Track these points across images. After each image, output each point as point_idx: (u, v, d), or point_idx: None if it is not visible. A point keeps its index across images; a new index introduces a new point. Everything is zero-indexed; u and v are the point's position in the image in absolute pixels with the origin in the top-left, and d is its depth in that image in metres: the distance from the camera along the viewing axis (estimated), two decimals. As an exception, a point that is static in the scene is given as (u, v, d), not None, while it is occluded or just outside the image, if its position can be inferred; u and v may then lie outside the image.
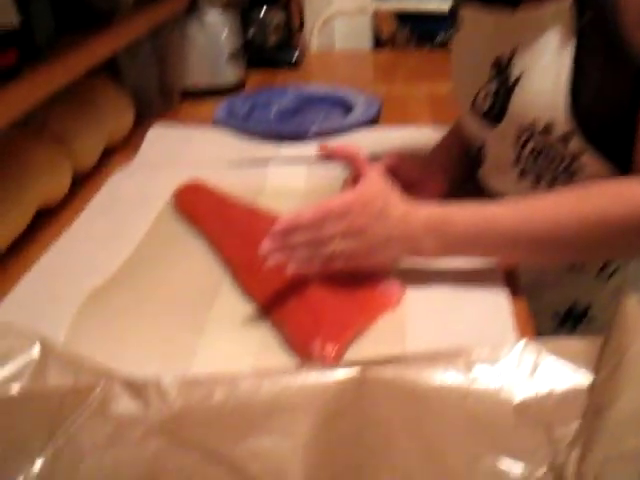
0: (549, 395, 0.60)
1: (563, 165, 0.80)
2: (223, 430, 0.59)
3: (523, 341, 0.64)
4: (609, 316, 0.77)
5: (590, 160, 0.77)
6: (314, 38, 2.23)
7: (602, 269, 0.89)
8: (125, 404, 0.61)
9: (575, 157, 0.78)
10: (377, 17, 2.54)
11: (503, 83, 0.82)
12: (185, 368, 0.70)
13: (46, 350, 0.68)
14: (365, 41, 2.51)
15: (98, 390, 0.62)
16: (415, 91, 1.63)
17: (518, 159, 0.85)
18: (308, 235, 0.76)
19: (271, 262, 0.76)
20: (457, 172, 1.00)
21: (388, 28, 2.56)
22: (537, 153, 0.81)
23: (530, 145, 0.81)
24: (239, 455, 0.57)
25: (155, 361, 0.72)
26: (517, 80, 0.79)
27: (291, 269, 0.76)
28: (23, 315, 0.80)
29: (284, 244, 0.76)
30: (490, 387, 0.61)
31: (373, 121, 1.38)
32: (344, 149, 0.87)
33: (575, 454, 0.54)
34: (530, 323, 0.76)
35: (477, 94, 0.87)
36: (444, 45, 2.11)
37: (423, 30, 2.49)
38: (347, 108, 1.46)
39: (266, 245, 0.76)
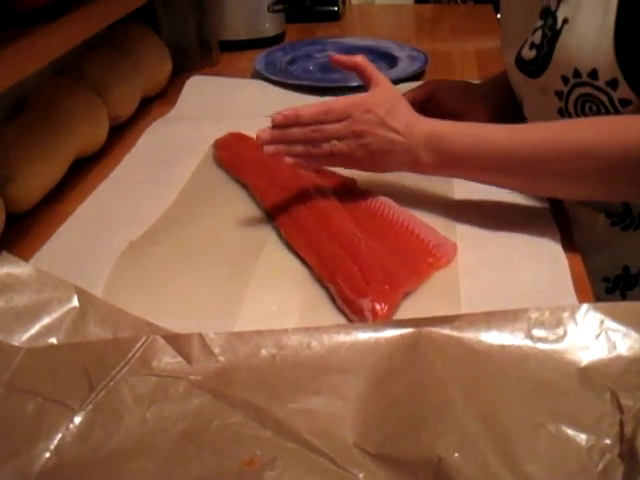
0: (615, 361, 0.57)
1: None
2: (270, 389, 0.57)
3: (586, 304, 0.61)
4: None
5: (638, 110, 0.74)
6: (355, -9, 2.17)
7: None
8: (167, 359, 0.59)
9: (622, 106, 0.75)
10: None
11: (549, 30, 0.79)
12: (228, 323, 0.68)
13: (85, 302, 0.67)
14: (407, -5, 2.44)
15: (139, 344, 0.60)
16: (461, 46, 1.58)
17: (562, 111, 0.82)
18: (307, 130, 0.79)
19: (268, 150, 0.79)
20: (500, 102, 0.99)
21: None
22: (583, 102, 0.79)
23: (575, 93, 0.79)
24: (286, 415, 0.55)
25: (196, 315, 0.69)
26: (562, 26, 0.77)
27: (288, 161, 0.80)
28: (60, 265, 0.78)
29: (283, 136, 0.79)
30: (552, 350, 0.58)
31: (417, 75, 1.33)
32: (353, 59, 0.86)
33: (645, 425, 0.51)
34: (587, 283, 0.72)
35: (523, 45, 0.85)
36: (488, 0, 2.04)
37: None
38: (390, 61, 1.42)
39: (265, 134, 0.79)
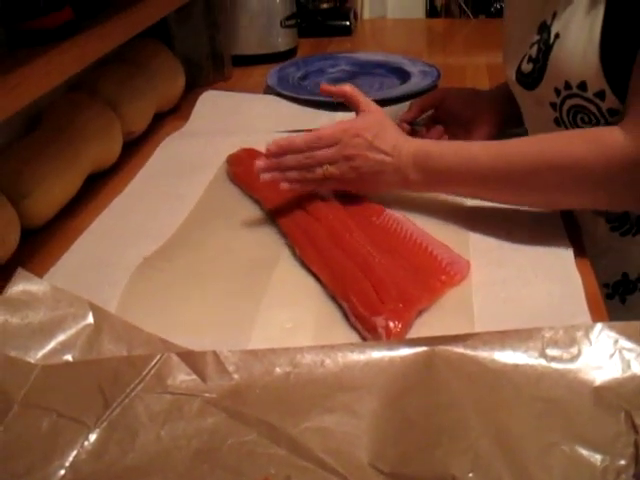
0: (629, 380, 0.57)
1: (601, 126, 0.80)
2: (284, 407, 0.57)
3: (600, 324, 0.61)
4: None
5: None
6: (366, 6, 2.18)
7: None
8: (182, 377, 0.59)
9: (610, 116, 0.78)
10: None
11: (544, 45, 0.82)
12: (242, 339, 0.68)
13: (100, 318, 0.67)
14: (418, 10, 2.45)
15: (154, 362, 0.60)
16: (473, 60, 1.58)
17: (558, 120, 0.84)
18: (300, 157, 0.85)
19: (264, 178, 0.85)
20: (508, 108, 1.00)
21: (442, -3, 2.50)
22: (575, 113, 0.81)
23: (567, 104, 0.81)
24: (300, 433, 0.55)
25: (211, 332, 0.70)
26: (555, 40, 0.80)
27: (284, 187, 0.85)
28: (75, 281, 0.78)
29: (278, 164, 0.85)
30: (566, 370, 0.58)
31: (430, 90, 1.33)
32: (342, 89, 0.92)
33: (661, 445, 0.51)
34: (601, 302, 0.72)
35: (522, 58, 0.88)
36: (500, 15, 2.05)
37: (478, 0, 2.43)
38: (403, 76, 1.42)
39: (260, 163, 0.85)
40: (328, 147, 0.84)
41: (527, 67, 0.86)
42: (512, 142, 0.80)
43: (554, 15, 0.81)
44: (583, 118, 0.80)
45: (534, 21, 0.86)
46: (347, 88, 0.91)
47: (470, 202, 0.89)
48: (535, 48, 0.84)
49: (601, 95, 0.76)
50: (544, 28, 0.83)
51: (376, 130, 0.85)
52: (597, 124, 0.79)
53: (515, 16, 0.93)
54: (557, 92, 0.81)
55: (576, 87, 0.78)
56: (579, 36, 0.77)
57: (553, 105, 0.83)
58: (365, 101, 0.90)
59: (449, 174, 0.82)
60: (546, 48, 0.82)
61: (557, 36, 0.80)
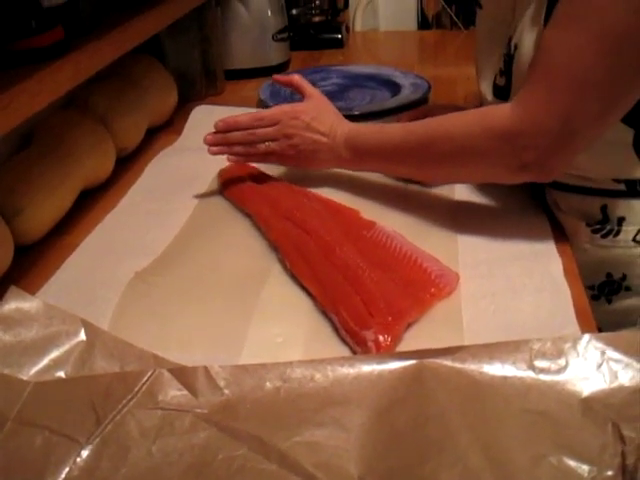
0: (617, 391, 0.57)
1: None
2: (274, 421, 0.57)
3: (587, 335, 0.61)
4: None
5: None
6: (358, 18, 2.19)
7: (635, 238, 0.86)
8: (173, 392, 0.59)
9: None
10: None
11: (508, 57, 0.87)
12: (234, 355, 0.68)
13: (92, 335, 0.67)
14: (410, 22, 2.46)
15: (145, 378, 0.60)
16: (463, 71, 1.58)
17: None
18: (244, 134, 0.98)
19: (212, 151, 0.98)
20: None
21: (433, 9, 2.51)
22: None
23: None
24: (291, 447, 0.55)
25: (202, 347, 0.70)
26: (515, 51, 0.84)
27: (231, 159, 0.99)
28: (67, 297, 0.79)
29: (225, 139, 0.98)
30: (554, 381, 0.58)
31: (421, 102, 1.34)
32: (289, 77, 1.05)
33: (647, 456, 0.51)
34: (589, 312, 0.73)
35: (496, 74, 0.92)
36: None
37: (469, 11, 2.43)
38: (394, 88, 1.43)
39: (209, 137, 0.98)
40: (269, 126, 0.97)
41: (501, 80, 0.90)
42: (424, 121, 0.88)
43: (515, 29, 0.85)
44: None
45: (503, 37, 0.89)
46: (294, 77, 1.04)
47: (459, 214, 0.89)
48: (502, 61, 0.89)
49: None
50: (509, 41, 0.87)
51: (314, 113, 0.97)
52: None
53: (486, 34, 0.96)
54: None
55: None
56: (530, 43, 0.81)
57: None
58: (310, 89, 1.02)
59: (372, 152, 0.93)
60: (509, 59, 0.86)
61: (516, 47, 0.84)
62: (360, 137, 0.94)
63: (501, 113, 0.77)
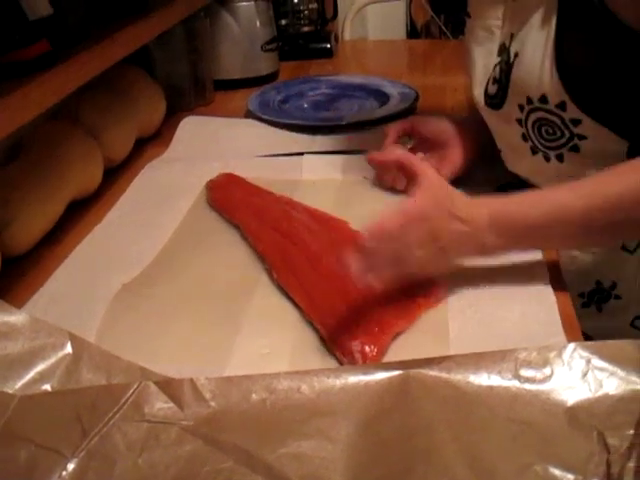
0: (602, 400, 0.58)
1: (565, 137, 0.81)
2: (261, 433, 0.57)
3: (573, 344, 0.62)
4: (636, 293, 0.82)
5: (590, 131, 0.79)
6: (347, 28, 2.20)
7: (623, 245, 0.87)
8: (159, 405, 0.59)
9: (573, 125, 0.80)
10: (411, 6, 2.50)
11: (505, 65, 0.85)
12: (221, 366, 0.68)
13: (78, 348, 0.67)
14: (399, 31, 2.48)
15: (131, 390, 0.60)
16: (452, 81, 1.59)
17: (525, 136, 0.87)
18: (395, 244, 0.70)
19: (363, 282, 0.69)
20: (481, 133, 1.00)
21: (422, 18, 2.52)
22: (539, 126, 0.83)
23: (532, 118, 0.84)
24: (277, 459, 0.55)
25: (190, 359, 0.70)
26: (514, 59, 0.83)
27: (376, 284, 0.70)
28: (57, 308, 0.79)
29: (370, 257, 0.69)
30: (539, 391, 0.59)
31: (409, 111, 1.35)
32: (393, 157, 0.84)
33: (631, 464, 0.51)
34: (575, 321, 0.73)
35: (487, 82, 0.91)
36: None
37: (458, 20, 2.45)
38: (382, 98, 1.43)
39: (353, 261, 0.68)
40: (419, 224, 0.70)
41: (493, 88, 0.89)
42: (580, 185, 0.71)
43: (511, 37, 0.85)
44: (547, 130, 0.82)
45: (493, 45, 0.89)
46: (399, 155, 0.82)
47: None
48: (498, 69, 0.88)
49: (562, 106, 0.78)
50: (503, 50, 0.86)
51: (450, 194, 0.74)
52: (562, 135, 0.81)
53: (477, 43, 0.96)
54: (521, 108, 0.84)
55: (537, 101, 0.81)
56: (535, 52, 0.80)
57: (519, 121, 0.86)
58: (420, 163, 0.79)
59: (534, 230, 0.73)
60: (507, 68, 0.85)
61: (516, 55, 0.83)
62: (512, 215, 0.73)
63: None
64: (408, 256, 0.70)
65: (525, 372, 0.60)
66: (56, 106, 1.02)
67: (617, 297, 0.89)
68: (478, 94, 0.95)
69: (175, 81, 1.45)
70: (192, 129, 1.30)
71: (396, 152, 0.84)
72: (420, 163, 0.78)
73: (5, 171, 0.93)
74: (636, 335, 0.89)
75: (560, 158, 0.83)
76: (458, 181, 0.93)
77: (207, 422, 0.58)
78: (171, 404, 0.59)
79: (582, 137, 0.80)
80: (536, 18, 0.81)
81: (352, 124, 1.27)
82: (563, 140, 0.82)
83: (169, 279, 0.84)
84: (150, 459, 0.56)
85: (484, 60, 0.92)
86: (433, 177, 0.75)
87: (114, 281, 0.83)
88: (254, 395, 0.60)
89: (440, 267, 0.75)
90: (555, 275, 0.80)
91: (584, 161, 0.81)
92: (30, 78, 0.79)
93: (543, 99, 0.80)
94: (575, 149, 0.81)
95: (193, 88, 1.48)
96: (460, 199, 0.74)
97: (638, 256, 0.86)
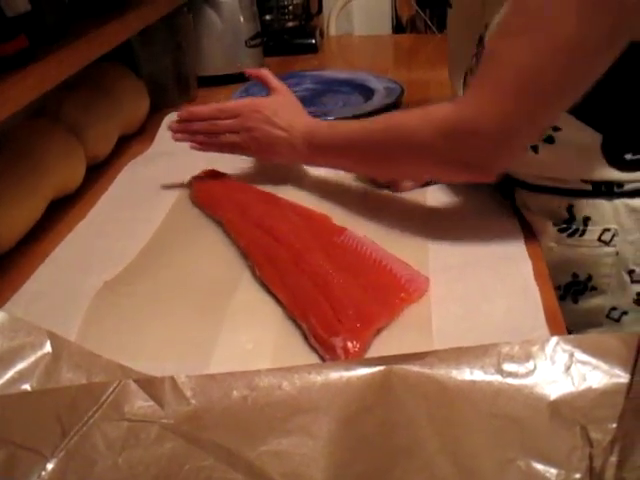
0: (585, 394, 0.57)
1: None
2: (241, 431, 0.56)
3: (555, 337, 0.61)
4: (610, 286, 0.85)
5: (564, 123, 0.80)
6: (332, 23, 2.19)
7: (600, 238, 0.86)
8: (140, 403, 0.59)
9: None
10: (397, 1, 2.49)
11: (480, 55, 0.85)
12: (203, 363, 0.68)
13: (58, 347, 0.66)
14: (384, 26, 2.47)
15: (111, 389, 0.59)
16: (437, 75, 1.59)
17: None
18: (206, 124, 1.01)
19: (176, 138, 1.04)
20: None
21: (408, 13, 2.51)
22: None
23: None
24: (258, 457, 0.54)
25: (172, 355, 0.70)
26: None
27: (191, 146, 1.03)
28: (37, 307, 0.78)
29: (186, 127, 1.03)
30: (522, 385, 0.58)
31: (394, 106, 1.34)
32: (257, 71, 1.07)
33: (614, 458, 0.51)
34: (559, 315, 0.73)
35: (466, 73, 0.92)
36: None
37: (443, 14, 2.44)
38: (367, 93, 1.43)
39: (173, 125, 1.04)
40: (232, 118, 1.00)
41: (472, 79, 0.89)
42: (378, 117, 0.89)
43: (486, 27, 0.85)
44: None
45: (473, 35, 0.89)
46: (262, 70, 1.07)
47: (431, 219, 0.90)
48: (474, 60, 0.88)
49: None
50: (481, 41, 0.87)
51: (275, 108, 0.99)
52: None
53: (457, 33, 0.97)
54: None
55: None
56: None
57: None
58: (275, 82, 1.04)
59: (326, 148, 0.93)
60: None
61: None
62: (317, 133, 0.94)
63: (443, 111, 0.78)
64: (218, 132, 1.01)
65: (508, 366, 0.59)
66: (38, 104, 1.02)
67: (593, 289, 0.89)
68: (458, 86, 0.96)
69: (158, 78, 1.44)
70: (176, 125, 1.29)
71: (262, 70, 1.08)
72: (276, 81, 1.04)
73: (-16, 169, 0.92)
74: (612, 326, 0.90)
75: (535, 149, 0.84)
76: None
77: (188, 420, 0.57)
78: (151, 402, 0.59)
79: (557, 129, 0.81)
80: (503, 11, 0.80)
81: (338, 119, 1.27)
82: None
83: (152, 276, 0.83)
84: (130, 458, 0.55)
85: (463, 51, 0.93)
86: (279, 94, 1.03)
87: (96, 279, 0.82)
88: (235, 392, 0.59)
89: (256, 154, 1.04)
90: (539, 269, 0.80)
91: (559, 152, 0.82)
92: (8, 74, 0.78)
93: None
94: (550, 140, 0.82)
95: (176, 85, 1.48)
96: (289, 113, 0.99)
97: (614, 248, 0.86)
